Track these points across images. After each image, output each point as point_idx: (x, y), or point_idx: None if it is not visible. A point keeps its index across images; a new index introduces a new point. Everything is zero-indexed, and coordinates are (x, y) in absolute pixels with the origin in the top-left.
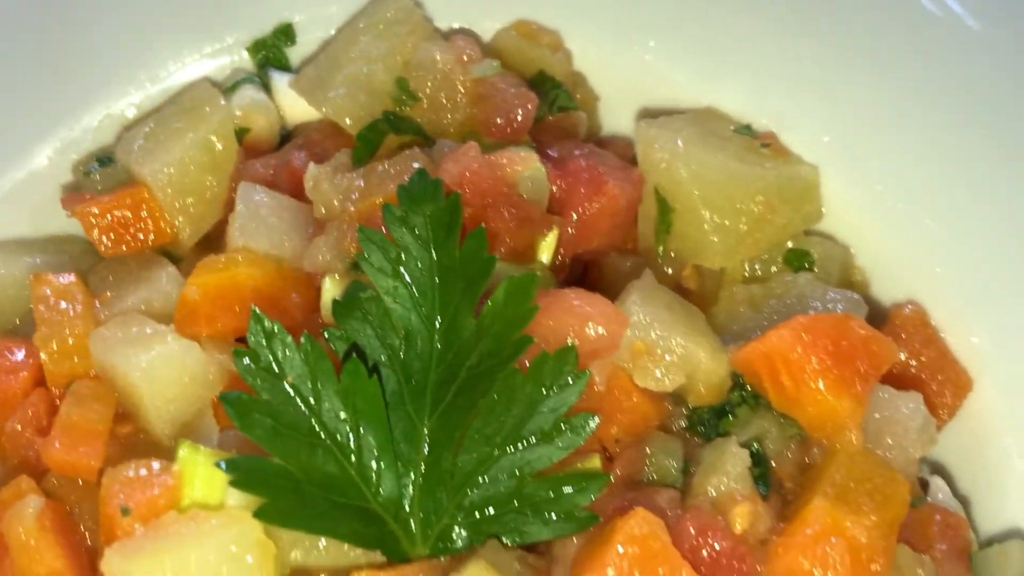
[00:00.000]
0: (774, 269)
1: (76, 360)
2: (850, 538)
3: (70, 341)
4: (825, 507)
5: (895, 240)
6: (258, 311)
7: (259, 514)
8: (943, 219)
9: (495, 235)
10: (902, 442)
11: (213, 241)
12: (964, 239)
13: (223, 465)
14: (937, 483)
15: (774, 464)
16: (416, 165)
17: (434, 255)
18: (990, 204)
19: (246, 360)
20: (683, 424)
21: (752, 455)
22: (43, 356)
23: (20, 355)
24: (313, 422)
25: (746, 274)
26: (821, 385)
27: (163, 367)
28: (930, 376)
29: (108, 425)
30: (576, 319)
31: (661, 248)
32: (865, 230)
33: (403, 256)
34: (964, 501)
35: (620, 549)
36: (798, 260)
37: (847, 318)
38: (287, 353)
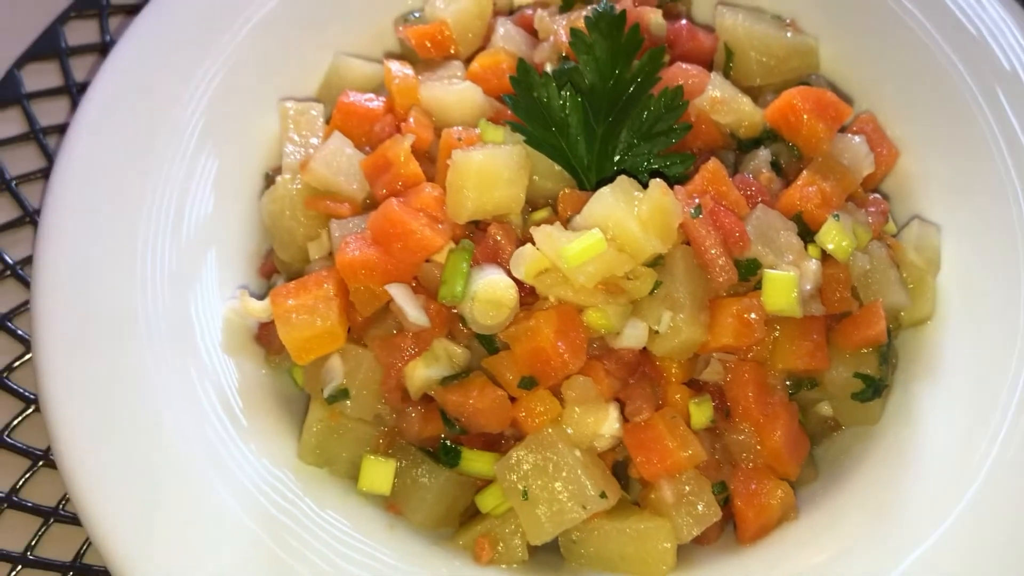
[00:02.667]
0: None
1: (412, 98)
2: (821, 188)
3: (409, 86)
4: (809, 174)
5: (861, 81)
6: (523, 60)
7: (527, 142)
8: (891, 72)
9: None
10: (853, 159)
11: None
12: (902, 82)
13: (508, 124)
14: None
15: (784, 167)
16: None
17: (608, 43)
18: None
19: (515, 80)
20: (734, 147)
21: (772, 163)
22: (394, 94)
23: (378, 99)
24: (546, 114)
25: (771, 94)
26: (808, 117)
27: (464, 94)
28: (873, 144)
29: (432, 126)
30: (683, 73)
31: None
32: (843, 76)
33: (593, 43)
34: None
35: (700, 176)
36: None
37: (825, 90)
38: (535, 78)
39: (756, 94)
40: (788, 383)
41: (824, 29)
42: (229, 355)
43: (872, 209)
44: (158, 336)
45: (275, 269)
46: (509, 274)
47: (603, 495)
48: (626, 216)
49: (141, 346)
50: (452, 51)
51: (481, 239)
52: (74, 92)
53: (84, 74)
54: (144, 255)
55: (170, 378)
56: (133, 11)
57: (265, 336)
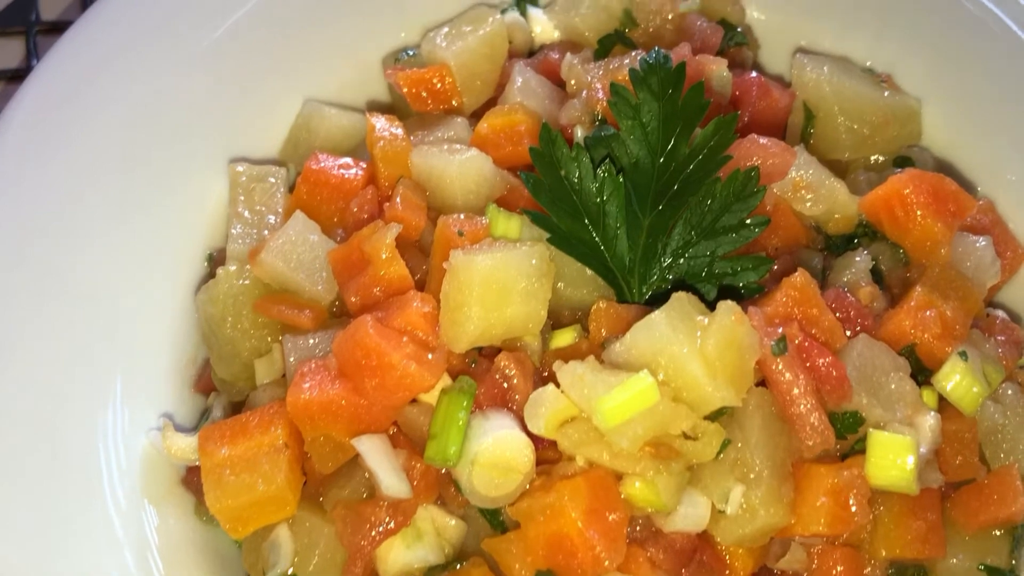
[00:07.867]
0: None
1: (400, 167)
2: (940, 312)
3: (397, 151)
4: (924, 291)
5: (974, 156)
6: (546, 123)
7: (550, 240)
8: (1011, 143)
9: None
10: (976, 268)
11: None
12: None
13: (526, 214)
14: (998, 312)
15: (886, 275)
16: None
17: (660, 105)
18: None
19: (537, 152)
20: (821, 245)
21: (871, 270)
22: (378, 160)
23: (356, 166)
24: (576, 200)
25: (863, 172)
26: (923, 213)
27: (468, 166)
28: (997, 244)
29: (426, 206)
30: (760, 149)
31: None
32: (953, 148)
33: (640, 105)
34: None
35: (783, 294)
36: (901, 163)
37: (943, 176)
38: (563, 151)
39: (841, 171)
40: (891, 574)
41: (927, 87)
42: (149, 501)
43: (1001, 337)
44: (57, 470)
45: (213, 386)
46: (522, 424)
47: None
48: (686, 353)
49: (35, 481)
50: (454, 103)
51: (485, 373)
52: None
53: None
54: (49, 358)
55: (72, 528)
56: (58, 28)
57: (195, 480)
